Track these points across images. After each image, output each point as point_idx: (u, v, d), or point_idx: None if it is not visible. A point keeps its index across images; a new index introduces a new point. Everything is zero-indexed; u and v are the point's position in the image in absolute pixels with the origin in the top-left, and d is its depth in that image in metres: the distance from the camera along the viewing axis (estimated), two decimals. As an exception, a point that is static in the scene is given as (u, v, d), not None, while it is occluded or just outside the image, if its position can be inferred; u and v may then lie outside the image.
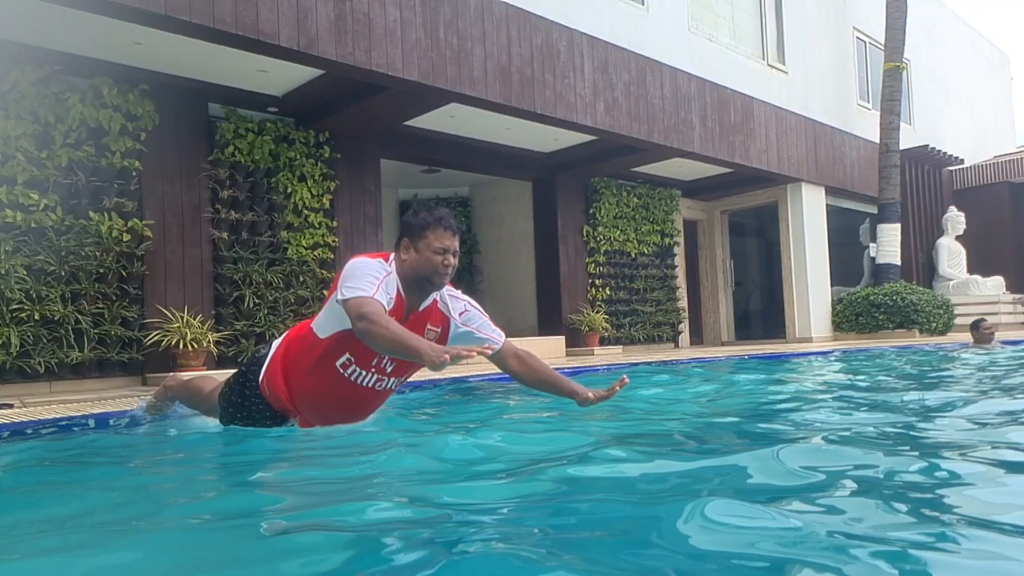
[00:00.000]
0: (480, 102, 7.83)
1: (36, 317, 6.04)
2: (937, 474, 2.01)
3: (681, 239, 13.19)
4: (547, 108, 8.36)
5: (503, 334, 3.07)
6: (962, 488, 1.86)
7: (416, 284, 2.83)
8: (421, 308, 2.90)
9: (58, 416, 3.94)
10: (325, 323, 2.85)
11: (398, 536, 1.51)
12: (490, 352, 2.55)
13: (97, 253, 6.42)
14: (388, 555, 1.39)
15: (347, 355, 2.81)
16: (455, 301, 3.00)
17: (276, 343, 3.08)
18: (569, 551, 1.37)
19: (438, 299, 2.95)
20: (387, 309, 2.64)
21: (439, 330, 2.94)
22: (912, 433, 2.75)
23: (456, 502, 1.86)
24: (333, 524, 1.69)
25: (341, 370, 2.84)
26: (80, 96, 6.44)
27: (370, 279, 2.66)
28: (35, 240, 6.15)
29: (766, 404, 4.18)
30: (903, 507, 1.64)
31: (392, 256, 2.87)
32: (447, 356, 2.30)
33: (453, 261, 2.82)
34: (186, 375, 4.06)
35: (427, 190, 12.58)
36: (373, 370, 2.87)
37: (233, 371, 3.24)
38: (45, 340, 6.12)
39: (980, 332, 8.02)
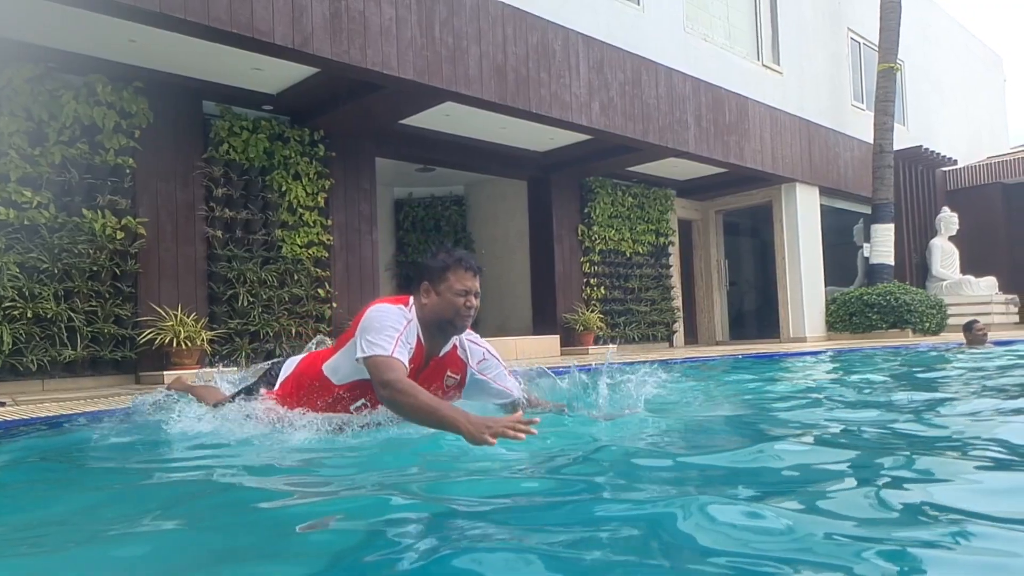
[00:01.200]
0: (475, 101, 7.82)
1: (29, 315, 6.01)
2: (930, 473, 2.02)
3: (676, 239, 13.21)
4: (542, 107, 8.35)
5: (518, 384, 3.03)
6: (955, 486, 1.87)
7: (437, 328, 2.78)
8: (441, 354, 2.86)
9: (50, 414, 3.92)
10: (341, 370, 2.79)
11: (396, 534, 1.50)
12: (535, 433, 2.22)
13: (90, 251, 6.39)
14: (387, 552, 1.39)
15: (363, 400, 2.80)
16: (474, 348, 2.96)
17: (287, 369, 3.03)
18: (565, 550, 1.37)
19: (457, 344, 2.90)
20: (408, 358, 2.60)
21: (458, 377, 2.92)
22: (904, 433, 2.76)
23: (452, 502, 1.86)
24: (331, 522, 1.69)
25: (355, 413, 2.82)
26: (74, 93, 6.41)
27: (389, 332, 2.58)
28: (28, 237, 6.12)
29: (759, 404, 4.19)
30: (898, 505, 1.64)
31: (412, 300, 2.80)
32: (491, 440, 2.11)
33: (475, 303, 2.77)
34: (187, 374, 4.06)
35: (422, 189, 12.57)
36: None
37: (238, 389, 3.22)
38: (38, 338, 6.10)
39: (973, 333, 8.05)
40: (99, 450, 3.13)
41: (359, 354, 2.57)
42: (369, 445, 2.60)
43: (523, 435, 2.10)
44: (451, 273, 2.75)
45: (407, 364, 2.58)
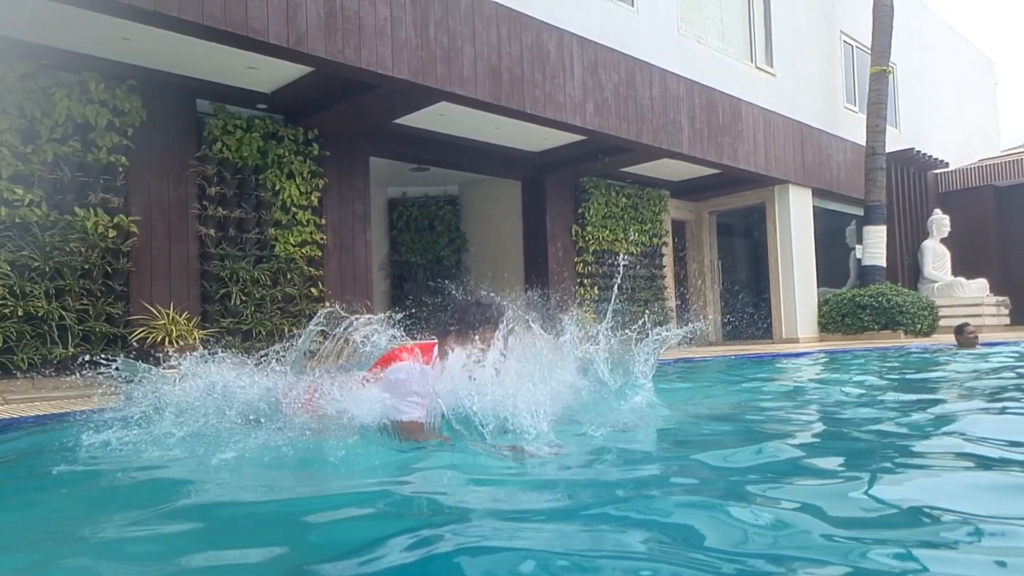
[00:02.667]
0: (470, 101, 7.82)
1: (19, 313, 5.97)
2: (923, 472, 2.03)
3: (669, 239, 13.24)
4: (536, 108, 8.36)
5: None
6: (948, 485, 1.88)
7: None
8: None
9: (41, 413, 3.90)
10: None
11: (396, 533, 1.50)
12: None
13: (82, 249, 6.36)
14: (386, 551, 1.39)
15: None
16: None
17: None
18: (566, 550, 1.37)
19: None
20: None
21: None
22: (898, 433, 2.77)
23: (451, 502, 1.86)
24: (329, 521, 1.68)
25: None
26: (67, 91, 6.38)
27: (414, 398, 2.67)
28: (19, 235, 6.08)
29: (754, 404, 4.20)
30: (894, 504, 1.65)
31: (435, 349, 2.84)
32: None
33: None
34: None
35: (417, 188, 12.56)
36: None
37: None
38: (28, 336, 6.06)
39: (964, 336, 8.10)
40: (89, 448, 3.11)
41: (391, 417, 2.69)
42: (367, 444, 2.59)
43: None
44: (479, 332, 2.81)
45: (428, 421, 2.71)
